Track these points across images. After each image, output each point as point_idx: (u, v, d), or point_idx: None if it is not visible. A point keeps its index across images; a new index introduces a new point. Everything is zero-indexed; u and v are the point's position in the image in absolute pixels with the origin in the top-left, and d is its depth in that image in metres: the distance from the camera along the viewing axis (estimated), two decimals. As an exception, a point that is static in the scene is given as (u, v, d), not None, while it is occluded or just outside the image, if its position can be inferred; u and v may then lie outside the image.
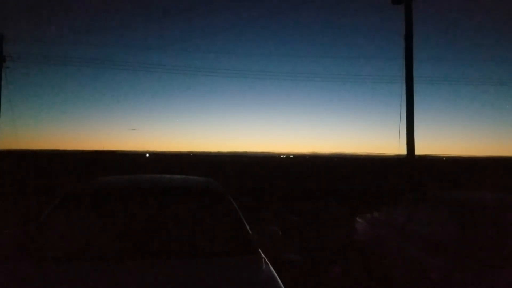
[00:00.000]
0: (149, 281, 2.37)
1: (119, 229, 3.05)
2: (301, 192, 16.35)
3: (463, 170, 39.18)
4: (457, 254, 3.56)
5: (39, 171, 27.28)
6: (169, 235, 3.01)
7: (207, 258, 2.75)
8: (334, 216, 10.92)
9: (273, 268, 2.70)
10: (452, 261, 3.57)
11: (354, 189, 17.72)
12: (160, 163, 48.67)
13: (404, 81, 11.08)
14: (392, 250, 4.78)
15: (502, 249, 3.47)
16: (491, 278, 3.20)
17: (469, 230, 3.71)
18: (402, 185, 11.75)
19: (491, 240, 3.59)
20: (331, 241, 7.94)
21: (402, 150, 11.13)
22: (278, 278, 2.52)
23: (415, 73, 11.13)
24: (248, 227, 3.18)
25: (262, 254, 2.91)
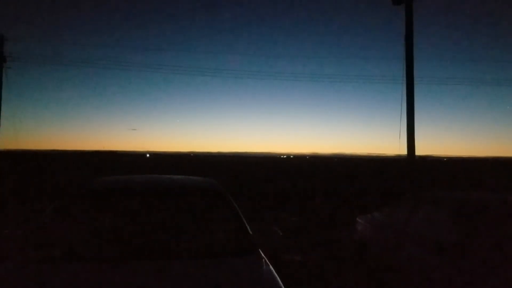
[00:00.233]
0: (150, 281, 2.37)
1: (119, 229, 3.05)
2: (301, 192, 16.34)
3: (464, 171, 39.16)
4: (457, 255, 3.56)
5: (39, 171, 27.28)
6: (169, 236, 3.01)
7: (208, 258, 2.75)
8: (334, 216, 10.91)
9: (273, 268, 2.70)
10: (452, 261, 3.57)
11: (354, 189, 17.71)
12: (160, 163, 48.67)
13: (404, 82, 11.07)
14: (392, 250, 4.78)
15: (503, 249, 3.47)
16: (491, 278, 3.19)
17: (469, 231, 3.71)
18: (403, 186, 11.74)
19: (492, 240, 3.59)
20: (331, 241, 7.94)
21: (403, 150, 11.13)
22: (278, 278, 2.53)
23: (415, 74, 11.13)
24: (248, 227, 3.18)
25: (263, 254, 2.91)
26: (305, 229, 9.15)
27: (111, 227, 3.10)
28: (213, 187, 3.64)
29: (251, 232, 3.13)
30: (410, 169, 11.03)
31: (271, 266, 2.71)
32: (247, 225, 3.19)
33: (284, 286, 2.45)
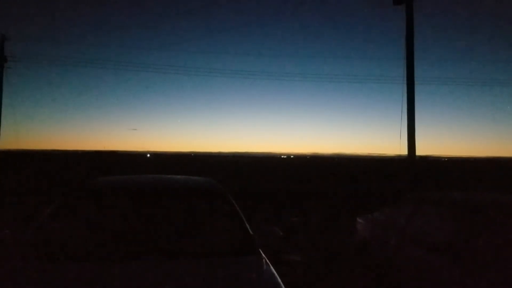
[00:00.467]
0: (150, 281, 2.37)
1: (119, 229, 3.05)
2: (301, 192, 16.33)
3: (464, 171, 39.13)
4: (457, 255, 3.55)
5: (39, 171, 27.30)
6: (169, 236, 3.01)
7: (208, 258, 2.75)
8: (334, 217, 10.91)
9: (274, 268, 2.70)
10: (452, 261, 3.57)
11: (355, 189, 17.70)
12: (161, 163, 48.67)
13: (405, 82, 11.08)
14: (392, 250, 4.77)
15: (503, 249, 3.47)
16: (491, 278, 3.19)
17: (469, 231, 3.71)
18: (403, 186, 11.73)
19: (492, 240, 3.59)
20: (331, 242, 7.94)
21: (403, 150, 11.13)
22: (278, 278, 2.53)
23: (416, 74, 11.14)
24: (249, 227, 3.18)
25: (263, 254, 2.91)
26: (305, 229, 9.15)
27: (112, 227, 3.10)
28: (214, 187, 3.64)
29: (251, 232, 3.13)
30: (411, 169, 11.02)
31: (271, 266, 2.71)
32: (247, 225, 3.19)
33: (284, 286, 2.45)
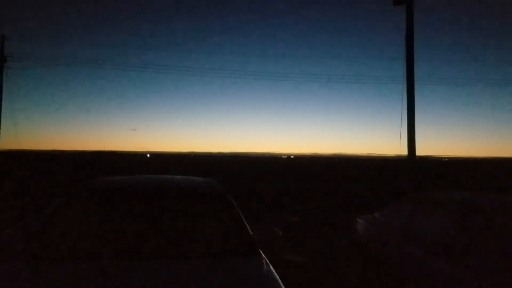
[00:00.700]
0: (150, 281, 2.38)
1: (119, 229, 3.05)
2: (301, 192, 16.33)
3: (464, 171, 39.13)
4: (457, 255, 3.56)
5: (40, 171, 27.29)
6: (169, 236, 3.01)
7: (208, 258, 2.75)
8: (334, 217, 10.91)
9: (274, 268, 2.70)
10: (452, 261, 3.57)
11: (355, 189, 17.70)
12: (160, 164, 48.67)
13: (405, 82, 11.08)
14: (392, 250, 4.77)
15: (503, 250, 3.47)
16: (492, 279, 3.19)
17: (470, 231, 3.71)
18: (403, 186, 11.74)
19: (492, 241, 3.59)
20: (331, 242, 7.94)
21: (403, 150, 11.14)
22: (278, 279, 2.53)
23: (416, 74, 11.15)
24: (249, 227, 3.18)
25: (263, 255, 2.91)
26: (305, 230, 9.16)
27: (112, 227, 3.10)
28: (214, 187, 3.64)
29: (251, 232, 3.13)
30: (411, 169, 11.03)
31: (271, 266, 2.71)
32: (247, 225, 3.19)
33: (284, 287, 2.45)
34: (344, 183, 22.63)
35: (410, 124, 10.95)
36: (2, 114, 19.43)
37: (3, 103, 19.42)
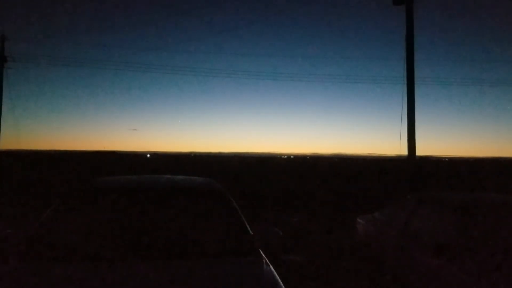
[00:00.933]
0: (150, 281, 2.38)
1: (119, 229, 3.05)
2: (301, 192, 16.33)
3: (465, 171, 39.13)
4: (457, 255, 3.56)
5: (40, 171, 27.31)
6: (169, 236, 3.01)
7: (208, 258, 2.76)
8: (334, 217, 10.91)
9: (274, 268, 2.70)
10: (452, 261, 3.57)
11: (355, 190, 17.70)
12: (161, 164, 48.70)
13: (405, 82, 11.09)
14: (392, 250, 4.77)
15: (503, 250, 3.47)
16: (492, 279, 3.19)
17: (470, 231, 3.71)
18: (403, 186, 11.74)
19: (492, 241, 3.59)
20: (331, 242, 7.94)
21: (404, 150, 11.14)
22: (278, 279, 2.53)
23: (416, 74, 11.16)
24: (249, 227, 3.18)
25: (263, 255, 2.91)
26: (305, 230, 9.15)
27: (112, 227, 3.10)
28: (214, 187, 3.64)
29: (251, 232, 3.13)
30: (411, 169, 11.03)
31: (271, 266, 2.71)
32: (247, 225, 3.19)
33: (285, 287, 2.46)
34: (344, 183, 22.63)
35: (410, 124, 10.96)
36: (2, 114, 19.44)
37: (3, 103, 19.42)
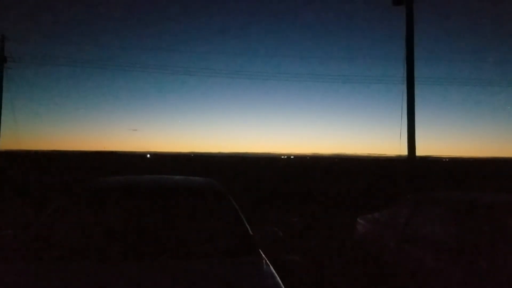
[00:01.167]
0: (150, 281, 2.38)
1: (119, 229, 3.06)
2: (301, 193, 16.33)
3: (465, 171, 39.12)
4: (457, 255, 3.56)
5: (40, 171, 27.31)
6: (170, 236, 3.02)
7: (208, 258, 2.76)
8: (334, 217, 10.91)
9: (274, 268, 2.70)
10: (452, 262, 3.57)
11: (355, 190, 17.70)
12: (161, 164, 48.70)
13: (405, 82, 11.09)
14: (392, 251, 4.77)
15: (503, 250, 3.47)
16: (491, 279, 3.19)
17: (469, 232, 3.71)
18: (403, 186, 11.73)
19: (492, 241, 3.59)
20: (331, 242, 7.94)
21: (403, 151, 11.14)
22: (278, 279, 2.53)
23: (416, 74, 11.17)
24: (249, 227, 3.18)
25: (263, 255, 2.91)
26: (305, 230, 9.16)
27: (112, 227, 3.10)
28: (214, 187, 3.64)
29: (251, 233, 3.13)
30: (411, 170, 11.03)
31: (271, 267, 2.71)
32: (247, 225, 3.19)
33: (284, 287, 2.46)
34: (344, 183, 22.63)
35: (410, 124, 10.96)
36: (2, 114, 19.45)
37: (3, 103, 19.44)
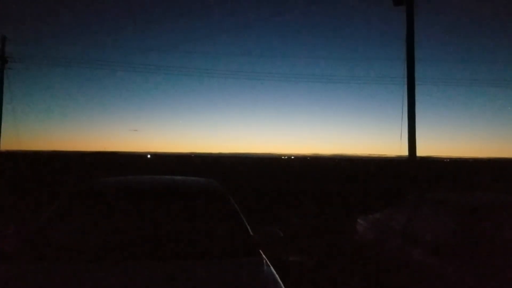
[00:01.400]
0: (150, 282, 2.38)
1: (119, 230, 3.05)
2: (301, 193, 16.32)
3: (465, 172, 39.09)
4: (457, 255, 3.55)
5: (40, 172, 27.33)
6: (170, 236, 3.01)
7: (208, 259, 2.75)
8: (334, 218, 10.90)
9: (274, 269, 2.70)
10: (452, 262, 3.56)
11: (355, 190, 17.69)
12: (161, 164, 48.70)
13: (405, 82, 11.08)
14: (393, 251, 4.77)
15: (503, 251, 3.46)
16: (492, 280, 3.19)
17: (469, 231, 3.70)
18: (404, 187, 11.72)
19: (492, 241, 3.58)
20: (331, 243, 7.93)
21: (404, 151, 11.12)
22: (279, 280, 2.53)
23: (416, 74, 11.14)
24: (249, 228, 3.18)
25: (263, 256, 2.91)
26: (306, 230, 9.15)
27: (112, 227, 3.10)
28: (214, 188, 3.64)
29: (252, 233, 3.13)
30: (411, 170, 11.02)
31: (271, 267, 2.71)
32: (247, 225, 3.19)
33: (285, 287, 2.45)
34: (344, 183, 22.62)
35: (411, 124, 10.95)
36: (3, 115, 19.46)
37: (4, 104, 19.45)
